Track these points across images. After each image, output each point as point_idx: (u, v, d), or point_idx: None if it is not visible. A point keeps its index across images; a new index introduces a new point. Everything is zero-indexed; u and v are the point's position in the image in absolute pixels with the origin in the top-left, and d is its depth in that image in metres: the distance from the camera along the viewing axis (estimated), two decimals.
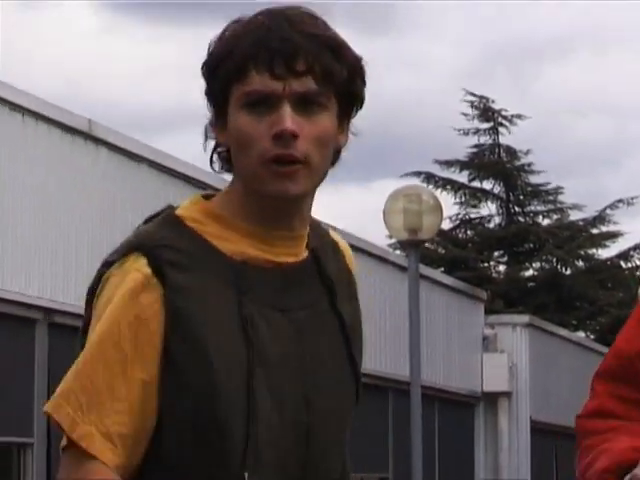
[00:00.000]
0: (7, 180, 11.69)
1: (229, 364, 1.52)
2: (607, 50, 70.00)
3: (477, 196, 37.83)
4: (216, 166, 1.66)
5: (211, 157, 1.66)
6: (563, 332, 26.95)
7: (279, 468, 1.57)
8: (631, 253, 39.40)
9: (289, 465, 1.58)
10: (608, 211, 38.82)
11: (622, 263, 40.10)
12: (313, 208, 1.69)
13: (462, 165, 36.60)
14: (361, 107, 1.66)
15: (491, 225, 39.50)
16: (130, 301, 1.51)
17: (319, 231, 1.75)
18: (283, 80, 1.52)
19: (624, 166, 66.67)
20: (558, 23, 65.58)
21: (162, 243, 1.55)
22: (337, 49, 1.57)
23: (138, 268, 1.52)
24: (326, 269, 1.70)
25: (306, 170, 1.55)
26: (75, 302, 12.36)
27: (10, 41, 56.62)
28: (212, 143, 1.65)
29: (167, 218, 1.62)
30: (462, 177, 37.46)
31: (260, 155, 1.53)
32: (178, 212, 1.63)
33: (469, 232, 39.34)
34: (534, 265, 39.52)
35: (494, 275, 38.80)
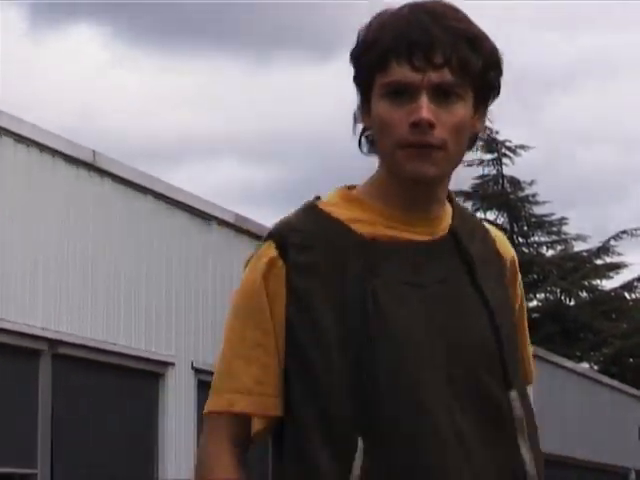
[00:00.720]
0: (11, 210, 11.72)
1: (340, 340, 1.61)
2: (613, 80, 70.19)
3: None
4: (364, 148, 1.75)
5: (359, 140, 1.75)
6: (568, 364, 26.85)
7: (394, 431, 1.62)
8: (635, 284, 39.40)
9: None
10: (612, 242, 38.90)
11: (626, 294, 40.10)
12: None
13: (466, 196, 36.56)
14: (498, 95, 1.74)
15: None
16: (260, 283, 1.66)
17: (463, 214, 1.83)
18: (422, 72, 1.60)
19: (629, 197, 66.80)
20: (564, 53, 65.75)
21: (291, 228, 1.69)
22: (474, 41, 1.64)
23: (267, 253, 1.67)
24: (465, 247, 1.74)
25: (443, 154, 1.63)
26: (79, 333, 12.41)
27: (18, 73, 57.08)
28: (360, 127, 1.75)
29: (306, 205, 1.75)
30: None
31: (398, 141, 1.62)
32: (319, 200, 1.75)
33: None
34: (538, 296, 39.52)
35: None
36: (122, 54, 70.02)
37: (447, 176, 1.72)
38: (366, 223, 1.67)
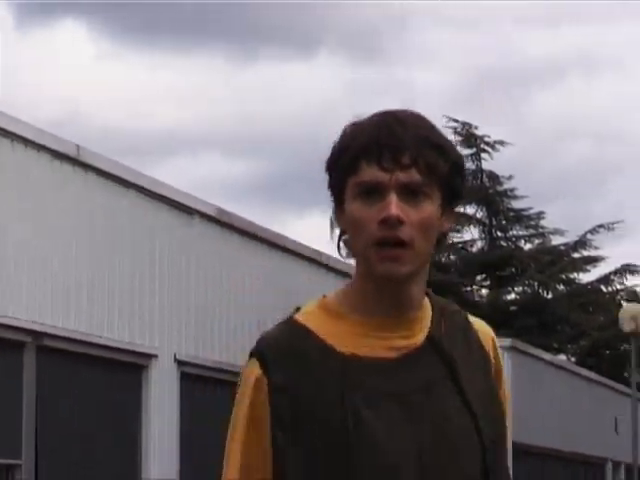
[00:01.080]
0: None
1: (326, 461, 1.67)
2: (591, 76, 70.50)
3: (460, 221, 38.07)
4: (343, 252, 1.81)
5: (338, 244, 1.81)
6: (546, 356, 27.05)
7: None
8: (611, 277, 39.74)
9: None
10: (589, 236, 39.19)
11: (602, 287, 40.42)
12: None
13: None
14: (461, 199, 1.84)
15: (474, 249, 39.78)
16: (248, 402, 1.72)
17: (444, 311, 1.86)
18: (390, 172, 1.68)
19: (606, 191, 67.13)
20: (543, 50, 66.04)
21: (270, 343, 1.74)
22: (442, 147, 1.74)
23: (252, 371, 1.73)
24: (445, 349, 1.78)
25: (411, 252, 1.69)
26: (64, 325, 12.48)
27: (3, 68, 56.80)
28: (337, 232, 1.82)
29: (286, 318, 1.80)
30: None
31: (368, 238, 1.68)
32: (298, 311, 1.80)
33: (452, 257, 39.54)
34: (516, 289, 39.77)
35: (477, 299, 39.00)
36: (108, 49, 69.83)
37: (418, 274, 1.76)
38: (342, 337, 1.71)
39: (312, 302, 1.83)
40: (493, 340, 1.89)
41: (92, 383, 13.00)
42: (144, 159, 68.12)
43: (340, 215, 1.78)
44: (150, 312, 14.11)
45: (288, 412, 1.68)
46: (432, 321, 1.79)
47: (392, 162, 1.70)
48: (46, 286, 12.39)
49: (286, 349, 1.72)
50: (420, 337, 1.75)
